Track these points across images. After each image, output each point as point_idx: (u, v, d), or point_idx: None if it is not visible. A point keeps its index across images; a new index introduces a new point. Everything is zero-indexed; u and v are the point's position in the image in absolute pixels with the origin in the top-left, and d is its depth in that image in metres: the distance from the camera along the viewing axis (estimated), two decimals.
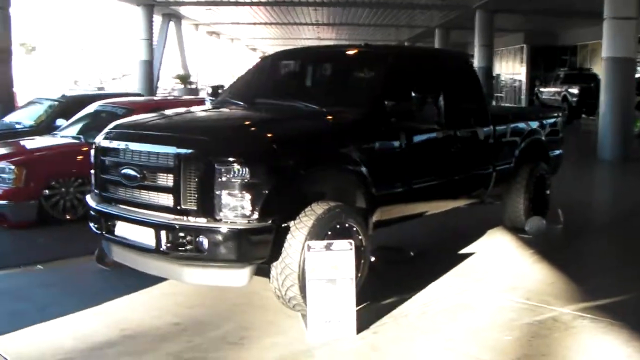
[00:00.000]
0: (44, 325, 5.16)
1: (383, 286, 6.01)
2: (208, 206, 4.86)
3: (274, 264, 5.05)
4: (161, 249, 5.03)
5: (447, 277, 6.33)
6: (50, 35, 53.05)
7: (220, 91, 7.20)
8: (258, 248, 4.91)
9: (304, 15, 33.04)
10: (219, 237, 4.81)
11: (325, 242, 4.84)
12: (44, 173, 8.63)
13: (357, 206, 5.61)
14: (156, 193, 5.14)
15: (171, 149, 5.00)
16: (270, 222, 4.88)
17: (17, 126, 11.94)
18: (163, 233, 5.01)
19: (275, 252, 5.01)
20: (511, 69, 39.38)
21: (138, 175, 5.22)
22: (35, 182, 8.54)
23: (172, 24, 34.86)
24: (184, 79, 34.26)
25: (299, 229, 4.99)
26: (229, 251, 4.82)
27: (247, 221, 4.83)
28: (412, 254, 7.18)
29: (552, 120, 8.93)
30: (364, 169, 5.51)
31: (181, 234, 4.92)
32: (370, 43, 6.99)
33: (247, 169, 4.76)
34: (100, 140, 5.71)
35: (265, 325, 5.13)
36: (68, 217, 8.66)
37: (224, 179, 4.79)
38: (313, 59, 7.23)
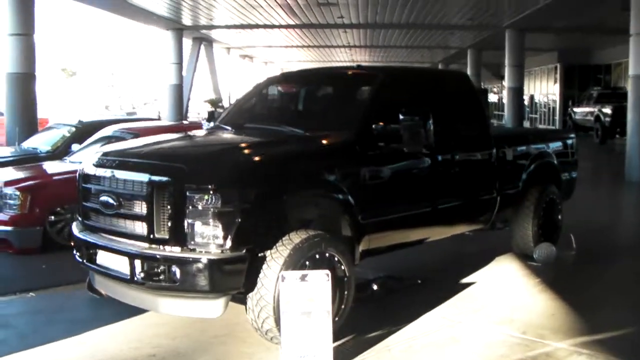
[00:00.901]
0: (17, 355, 5.07)
1: (372, 317, 5.84)
2: (180, 235, 4.73)
3: (250, 294, 4.88)
4: (135, 279, 4.91)
5: (442, 307, 6.09)
6: (88, 60, 53.95)
7: (215, 116, 7.09)
8: (231, 278, 4.76)
9: (337, 38, 33.05)
10: (191, 267, 4.67)
11: (300, 272, 4.66)
12: (49, 199, 8.59)
13: (342, 235, 5.42)
14: (131, 221, 5.03)
15: (144, 177, 4.90)
16: (244, 251, 4.73)
17: (34, 151, 12.00)
18: (137, 262, 4.89)
19: (251, 283, 4.85)
20: (545, 89, 38.79)
21: (115, 203, 5.12)
22: (40, 208, 8.51)
23: (203, 48, 35.04)
24: (215, 102, 34.44)
25: (275, 258, 4.83)
26: (201, 282, 4.67)
27: (220, 251, 4.69)
28: (419, 281, 6.99)
29: (565, 142, 8.65)
30: (348, 196, 5.33)
31: (154, 264, 4.81)
32: (367, 64, 6.81)
33: (218, 197, 4.63)
34: (82, 167, 5.62)
35: (241, 358, 4.95)
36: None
37: (195, 206, 4.66)
38: (304, 82, 7.10)
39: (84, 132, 11.69)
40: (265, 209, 4.84)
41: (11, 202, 8.47)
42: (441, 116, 6.37)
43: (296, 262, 4.84)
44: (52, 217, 8.52)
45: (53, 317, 6.00)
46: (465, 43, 33.07)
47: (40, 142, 12.56)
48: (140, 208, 4.93)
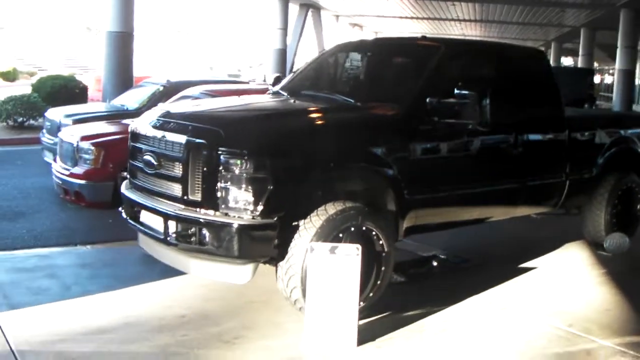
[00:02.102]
0: (56, 305, 5.21)
1: (419, 295, 5.70)
2: (213, 199, 4.67)
3: (280, 263, 4.79)
4: (168, 239, 4.90)
5: (493, 291, 5.84)
6: (197, 21, 54.86)
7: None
8: (260, 245, 4.68)
9: (447, 11, 32.32)
10: (220, 231, 4.61)
11: (330, 244, 4.52)
12: (121, 155, 8.70)
13: (387, 209, 5.23)
14: (169, 182, 5.01)
15: (182, 138, 4.85)
16: (275, 219, 4.62)
17: (122, 108, 12.26)
18: (170, 223, 4.88)
19: (282, 251, 4.76)
20: None
21: (155, 163, 5.11)
22: (113, 164, 8.63)
23: (310, 14, 34.98)
24: None
25: (307, 228, 4.71)
26: (229, 246, 4.60)
27: (250, 216, 4.59)
28: (477, 263, 6.76)
29: None
30: (393, 170, 5.13)
31: (186, 226, 4.78)
32: (438, 36, 6.49)
33: (251, 162, 4.53)
34: (133, 125, 5.65)
35: (269, 327, 4.90)
36: None
37: (227, 170, 4.58)
38: (369, 51, 6.86)
39: (170, 91, 11.83)
40: (300, 178, 4.71)
41: (86, 156, 8.65)
42: (505, 93, 6.05)
43: (328, 233, 4.70)
44: (124, 173, 8.64)
45: (99, 271, 6.13)
46: (579, 21, 31.70)
47: (130, 99, 12.80)
48: (177, 169, 4.90)
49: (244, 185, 4.56)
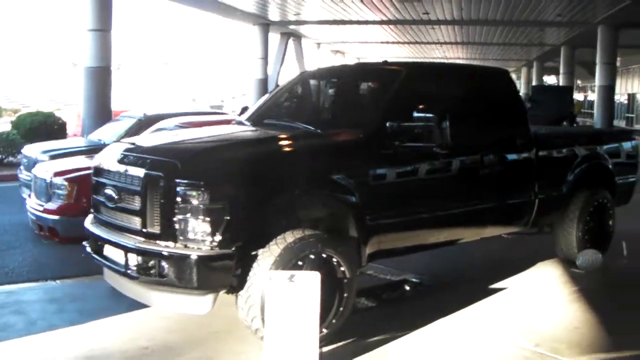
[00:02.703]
0: (20, 341, 5.20)
1: (386, 320, 5.68)
2: (171, 230, 4.66)
3: (240, 292, 4.76)
4: (129, 272, 4.87)
5: (461, 313, 5.78)
6: (179, 53, 55.12)
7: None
8: (219, 275, 4.66)
9: (426, 34, 32.51)
10: (179, 263, 4.60)
11: (288, 272, 4.48)
12: None
13: (350, 235, 5.22)
14: (128, 215, 5.01)
15: (140, 171, 4.85)
16: (233, 249, 4.60)
17: (99, 142, 12.23)
18: (130, 256, 4.87)
19: (242, 281, 4.74)
20: None
21: (115, 197, 5.11)
22: (87, 199, 8.57)
23: (291, 43, 35.13)
24: None
25: (266, 257, 4.70)
26: (188, 277, 4.59)
27: (208, 247, 4.58)
28: (407, 287, 6.80)
29: (623, 143, 8.11)
30: (354, 196, 5.13)
31: (145, 258, 4.77)
32: (400, 60, 6.53)
33: (207, 193, 4.53)
34: (94, 161, 5.64)
35: (231, 357, 4.89)
36: None
37: (184, 202, 4.58)
38: (329, 79, 6.91)
39: (147, 123, 11.82)
40: (257, 208, 4.70)
41: (59, 191, 8.61)
42: (468, 114, 6.10)
43: (287, 261, 4.69)
44: None
45: (65, 306, 6.09)
46: (559, 40, 31.99)
47: (107, 133, 12.77)
48: (136, 202, 4.90)
49: (201, 217, 4.55)
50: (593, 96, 44.25)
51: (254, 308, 4.69)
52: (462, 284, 6.78)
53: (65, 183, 8.53)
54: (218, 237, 4.55)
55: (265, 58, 29.45)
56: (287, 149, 5.28)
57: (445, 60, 43.45)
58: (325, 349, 4.90)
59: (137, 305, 5.54)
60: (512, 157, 6.56)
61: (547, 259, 7.62)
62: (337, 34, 34.85)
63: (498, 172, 6.37)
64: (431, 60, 44.72)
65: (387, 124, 5.36)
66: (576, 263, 7.16)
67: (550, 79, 49.71)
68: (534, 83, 41.71)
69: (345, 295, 4.99)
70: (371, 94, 6.34)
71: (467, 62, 43.64)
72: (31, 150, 11.68)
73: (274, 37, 32.65)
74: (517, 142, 6.60)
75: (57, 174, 8.76)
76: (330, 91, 6.79)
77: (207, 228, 4.54)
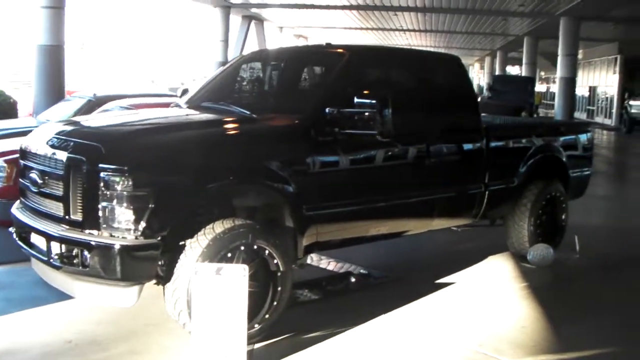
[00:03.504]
0: None
1: (327, 314, 5.47)
2: (94, 218, 4.37)
3: (167, 285, 4.51)
4: (51, 261, 4.57)
5: (405, 309, 5.61)
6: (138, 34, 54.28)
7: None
8: (143, 267, 4.37)
9: (390, 21, 32.30)
10: (101, 253, 4.30)
11: (215, 265, 4.24)
12: None
13: (284, 226, 4.98)
14: (52, 201, 4.70)
15: (63, 155, 4.55)
16: (158, 238, 4.33)
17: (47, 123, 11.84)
18: (53, 244, 4.56)
19: (168, 272, 4.48)
20: (604, 81, 37.26)
21: (39, 182, 4.80)
22: None
23: (253, 26, 34.66)
24: None
25: (193, 248, 4.44)
26: (111, 268, 4.30)
27: (133, 237, 4.29)
28: (391, 278, 6.54)
29: (578, 135, 7.97)
30: (289, 185, 4.87)
31: (67, 247, 4.46)
32: (349, 44, 6.23)
33: (130, 179, 4.24)
34: (21, 143, 5.32)
35: (158, 351, 4.63)
36: None
37: (107, 188, 4.28)
38: (270, 61, 6.64)
39: (96, 104, 11.48)
40: (184, 195, 4.43)
41: (1, 174, 8.26)
42: (414, 102, 5.89)
43: (216, 253, 4.44)
44: None
45: None
46: (522, 30, 32.01)
47: (56, 114, 12.38)
48: (59, 188, 4.59)
49: (124, 204, 4.26)
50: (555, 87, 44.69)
51: (180, 301, 4.44)
52: (410, 278, 6.58)
53: (4, 165, 8.17)
54: (142, 226, 4.27)
55: (226, 41, 29.02)
56: (217, 134, 4.98)
57: (410, 47, 43.28)
58: (258, 345, 4.68)
59: (68, 295, 5.25)
60: (460, 146, 6.36)
61: (498, 253, 7.47)
62: (300, 19, 34.50)
63: (445, 162, 6.15)
64: (398, 46, 44.56)
65: (327, 110, 5.10)
66: (527, 258, 7.01)
67: (514, 70, 49.89)
68: (497, 73, 41.79)
69: (279, 289, 4.75)
70: (312, 77, 6.09)
71: (427, 49, 43.61)
72: None
73: (236, 20, 32.18)
74: (466, 131, 6.40)
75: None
76: (271, 74, 6.51)
77: (131, 216, 4.26)
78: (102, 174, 4.29)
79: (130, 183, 4.23)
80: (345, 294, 6.27)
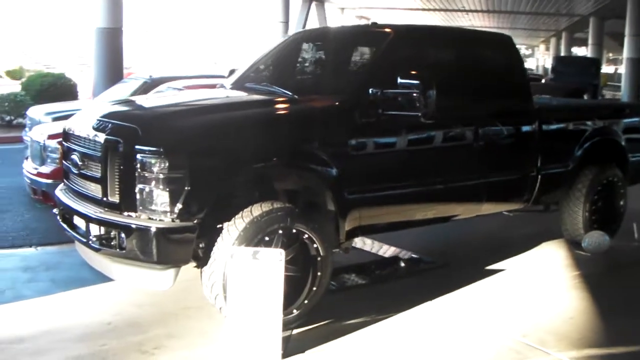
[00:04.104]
0: None
1: (366, 301, 5.33)
2: (131, 200, 4.35)
3: (204, 268, 4.46)
4: (90, 243, 4.58)
5: (450, 296, 5.47)
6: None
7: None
8: (179, 250, 4.34)
9: (457, 2, 31.70)
10: (137, 235, 4.29)
11: (252, 249, 4.18)
12: None
13: (325, 210, 4.88)
14: (91, 183, 4.72)
15: (101, 136, 4.54)
16: (194, 221, 4.28)
17: None
18: (92, 226, 4.57)
19: (205, 256, 4.44)
20: None
21: (80, 163, 4.81)
22: None
23: (314, 7, 34.43)
24: None
25: (230, 232, 4.38)
26: (147, 251, 4.28)
27: (169, 219, 4.26)
28: (443, 264, 6.42)
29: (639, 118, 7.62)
30: (331, 167, 4.76)
31: (106, 229, 4.47)
32: (392, 24, 6.03)
33: (166, 161, 4.20)
34: (65, 124, 5.35)
35: (196, 335, 4.61)
36: None
37: (144, 170, 4.26)
38: (316, 41, 6.51)
39: (151, 86, 11.59)
40: (222, 178, 4.37)
41: (53, 155, 8.37)
42: (463, 83, 5.71)
43: (253, 236, 4.37)
44: None
45: (38, 275, 5.85)
46: (587, 10, 31.02)
47: (113, 95, 12.51)
48: (98, 170, 4.59)
49: (160, 186, 4.23)
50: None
51: (216, 285, 4.40)
52: (459, 264, 6.41)
53: (59, 146, 8.26)
54: (178, 209, 4.23)
55: (286, 22, 28.86)
56: (255, 115, 4.89)
57: (472, 28, 42.49)
58: (296, 331, 4.61)
59: None
60: (511, 129, 6.12)
61: (551, 239, 7.23)
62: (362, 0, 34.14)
63: (494, 145, 5.94)
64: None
65: (370, 91, 4.96)
66: (582, 245, 6.77)
67: (580, 51, 48.59)
68: (562, 54, 40.70)
69: (318, 274, 4.66)
70: (357, 58, 5.93)
71: (493, 30, 42.75)
72: (35, 112, 11.46)
73: (296, 1, 32.03)
74: (517, 113, 6.18)
75: (50, 137, 8.50)
76: (316, 54, 6.39)
77: (167, 198, 4.23)
78: (138, 156, 4.27)
79: (166, 165, 4.19)
80: (392, 280, 6.13)
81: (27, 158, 9.15)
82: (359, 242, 6.78)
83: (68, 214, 5.03)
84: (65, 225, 5.10)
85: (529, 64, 64.78)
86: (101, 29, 16.03)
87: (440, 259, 6.54)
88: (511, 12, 34.20)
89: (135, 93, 11.51)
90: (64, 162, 5.33)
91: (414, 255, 6.66)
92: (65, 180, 5.29)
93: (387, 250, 6.82)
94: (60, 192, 5.25)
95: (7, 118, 15.85)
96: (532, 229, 7.59)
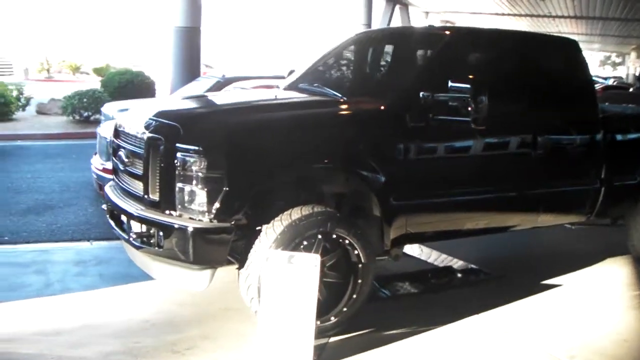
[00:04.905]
0: (28, 302, 5.10)
1: (414, 311, 5.21)
2: (170, 198, 4.34)
3: (241, 270, 4.41)
4: (131, 241, 4.59)
5: (501, 310, 5.27)
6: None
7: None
8: (215, 251, 4.29)
9: (542, 7, 30.87)
10: (174, 234, 4.27)
11: (288, 253, 4.10)
12: None
13: (371, 215, 4.76)
14: (134, 180, 4.73)
15: (144, 134, 4.54)
16: (232, 222, 4.23)
17: None
18: (133, 224, 4.59)
19: (243, 258, 4.38)
20: None
21: (125, 160, 4.83)
22: None
23: (397, 10, 34.17)
24: None
25: (268, 234, 4.30)
26: (184, 250, 4.25)
27: (207, 219, 4.22)
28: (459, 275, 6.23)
29: None
30: (377, 172, 4.63)
31: (144, 227, 4.47)
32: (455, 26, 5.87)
33: (205, 160, 4.16)
34: (117, 121, 5.40)
35: (231, 337, 4.56)
36: None
37: (183, 168, 4.23)
38: (372, 43, 6.37)
39: (223, 85, 11.72)
40: (261, 179, 4.30)
41: None
42: (523, 88, 5.48)
43: (290, 240, 4.28)
44: None
45: (88, 269, 5.95)
46: None
47: (187, 93, 12.69)
48: (140, 167, 4.60)
49: (199, 185, 4.20)
50: None
51: (252, 288, 4.34)
52: (514, 276, 6.19)
53: None
54: (215, 209, 4.18)
55: (369, 25, 28.65)
56: (299, 116, 4.80)
57: (560, 34, 41.34)
58: (333, 339, 4.51)
59: None
60: (571, 138, 5.86)
61: (616, 255, 6.88)
62: (447, 3, 33.57)
63: (554, 155, 5.65)
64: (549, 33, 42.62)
65: (421, 94, 4.81)
66: None
67: None
68: None
69: (359, 281, 4.54)
70: (410, 60, 5.77)
71: (580, 37, 41.51)
72: (110, 108, 11.71)
73: (380, 4, 31.82)
74: (581, 122, 5.90)
75: None
76: (373, 55, 6.25)
77: (205, 198, 4.19)
78: (178, 154, 4.25)
79: (205, 164, 4.16)
80: (443, 290, 5.96)
81: (95, 153, 9.32)
82: (416, 249, 6.65)
83: (115, 210, 5.05)
84: (112, 222, 5.12)
85: (619, 72, 62.73)
86: (179, 28, 16.27)
87: (497, 270, 6.31)
88: (600, 18, 33.09)
89: (208, 91, 11.66)
90: (112, 158, 5.37)
91: (472, 266, 6.47)
92: (114, 177, 5.32)
93: (444, 260, 6.65)
94: (108, 189, 5.29)
95: (85, 114, 16.27)
96: (597, 243, 7.26)
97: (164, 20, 17.25)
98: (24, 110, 17.72)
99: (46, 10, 47.83)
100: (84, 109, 16.21)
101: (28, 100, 17.82)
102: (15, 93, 17.28)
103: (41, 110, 18.18)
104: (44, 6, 47.70)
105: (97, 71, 35.11)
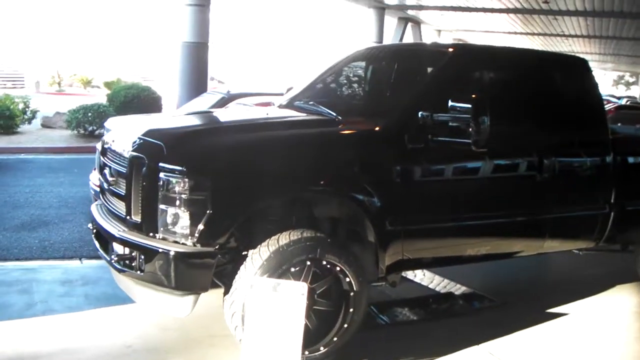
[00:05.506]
0: (6, 324, 4.91)
1: (411, 339, 4.99)
2: (152, 220, 4.12)
3: (226, 297, 4.19)
4: (113, 263, 4.38)
5: (502, 340, 5.03)
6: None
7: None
8: (197, 276, 4.07)
9: (557, 25, 30.63)
10: (155, 258, 4.05)
11: (273, 281, 3.87)
12: None
13: (365, 240, 4.53)
14: (117, 200, 4.53)
15: (128, 152, 4.34)
16: (215, 247, 4.01)
17: None
18: (115, 246, 4.37)
19: (229, 283, 4.15)
20: None
21: (109, 179, 4.63)
22: None
23: (409, 28, 34.00)
24: None
25: (253, 260, 4.08)
26: (164, 275, 4.03)
27: (189, 243, 4.00)
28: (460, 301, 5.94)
29: None
30: (371, 195, 4.40)
31: (125, 249, 4.25)
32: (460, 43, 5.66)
33: (188, 181, 3.94)
34: (104, 138, 5.21)
35: None
36: None
37: (166, 189, 4.02)
38: (372, 60, 6.15)
39: (228, 100, 11.61)
40: (247, 202, 4.08)
41: None
42: (528, 108, 5.28)
43: (277, 267, 4.06)
44: None
45: (74, 289, 5.74)
46: None
47: (192, 109, 12.57)
48: (123, 186, 4.39)
49: (182, 207, 3.98)
50: None
51: (236, 316, 4.11)
52: (518, 304, 5.94)
53: None
54: (199, 232, 3.96)
55: (380, 42, 28.57)
56: (288, 136, 4.56)
57: (572, 53, 41.07)
58: None
59: None
60: (579, 160, 5.62)
61: (626, 282, 6.61)
62: (459, 22, 33.30)
63: (560, 178, 5.39)
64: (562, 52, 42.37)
65: (420, 114, 4.58)
66: None
67: None
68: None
69: (351, 310, 4.30)
70: (409, 78, 5.54)
71: (593, 57, 41.25)
72: (113, 123, 11.57)
73: (391, 22, 31.67)
74: (589, 144, 5.65)
75: None
76: (371, 73, 6.04)
77: (187, 221, 3.97)
78: (161, 174, 4.04)
79: (189, 185, 3.94)
80: (444, 317, 5.72)
81: (94, 169, 9.15)
82: (418, 274, 6.42)
83: (99, 231, 4.85)
84: (97, 242, 4.91)
85: (633, 91, 62.32)
86: (187, 43, 16.22)
87: (501, 296, 6.06)
88: (613, 37, 32.81)
89: (213, 107, 11.52)
90: (99, 176, 5.17)
91: (476, 292, 6.21)
92: (100, 196, 5.12)
93: (446, 285, 6.40)
94: (94, 208, 5.08)
95: (90, 128, 16.17)
96: (605, 270, 7.01)
97: (172, 35, 17.18)
98: (29, 123, 17.64)
99: (59, 24, 48.13)
100: (88, 123, 16.11)
101: (34, 113, 17.76)
102: (21, 106, 17.21)
103: (46, 124, 18.12)
104: (57, 20, 48.01)
105: (108, 85, 35.13)
